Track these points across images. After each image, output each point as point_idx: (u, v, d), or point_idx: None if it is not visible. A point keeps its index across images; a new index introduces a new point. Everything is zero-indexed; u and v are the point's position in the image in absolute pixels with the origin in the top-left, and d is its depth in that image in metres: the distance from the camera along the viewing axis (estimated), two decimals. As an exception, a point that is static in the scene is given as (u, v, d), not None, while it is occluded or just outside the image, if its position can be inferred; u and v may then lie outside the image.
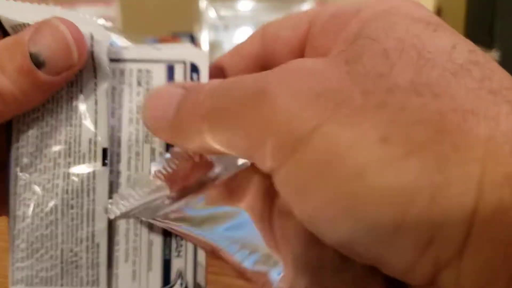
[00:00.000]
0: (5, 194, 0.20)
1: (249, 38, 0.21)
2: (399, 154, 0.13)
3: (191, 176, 0.19)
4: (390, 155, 0.13)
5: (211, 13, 0.56)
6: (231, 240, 0.18)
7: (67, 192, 0.19)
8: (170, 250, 0.19)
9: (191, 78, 0.19)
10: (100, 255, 0.19)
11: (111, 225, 0.19)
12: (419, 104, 0.14)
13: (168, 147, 0.19)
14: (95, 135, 0.19)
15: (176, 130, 0.18)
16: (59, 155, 0.19)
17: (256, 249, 0.18)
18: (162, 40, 0.71)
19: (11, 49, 0.19)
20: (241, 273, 0.18)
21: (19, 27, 0.19)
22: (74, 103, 0.19)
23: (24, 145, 0.20)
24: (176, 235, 0.19)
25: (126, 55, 0.19)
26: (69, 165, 0.19)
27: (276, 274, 0.18)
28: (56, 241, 0.19)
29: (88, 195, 0.19)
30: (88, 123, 0.19)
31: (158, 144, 0.19)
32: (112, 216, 0.19)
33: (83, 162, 0.19)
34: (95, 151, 0.19)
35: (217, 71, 0.21)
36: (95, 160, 0.19)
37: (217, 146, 0.16)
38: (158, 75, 0.19)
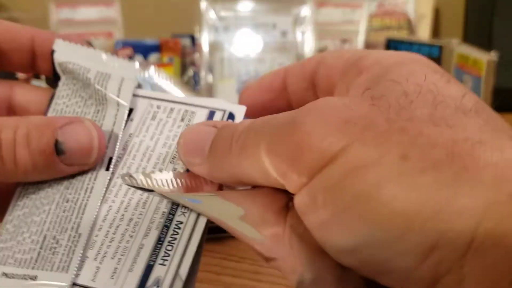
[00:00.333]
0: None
1: (272, 75, 0.23)
2: (417, 170, 0.15)
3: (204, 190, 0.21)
4: (409, 170, 0.15)
5: (211, 14, 0.56)
6: None
7: (67, 188, 0.22)
8: (156, 257, 0.20)
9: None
10: (79, 244, 0.20)
11: (111, 224, 0.21)
12: (435, 131, 0.16)
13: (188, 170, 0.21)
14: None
15: (210, 164, 0.20)
16: None
17: None
18: (163, 41, 0.71)
19: (42, 129, 0.21)
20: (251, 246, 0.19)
21: (65, 65, 0.23)
22: (98, 119, 0.23)
23: None
24: (168, 243, 0.20)
25: (179, 99, 0.23)
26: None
27: None
28: (42, 227, 0.21)
29: (85, 192, 0.21)
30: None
31: (180, 166, 0.22)
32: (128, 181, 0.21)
33: (91, 169, 0.22)
34: (102, 159, 0.22)
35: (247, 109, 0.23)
36: (100, 166, 0.22)
37: (252, 175, 0.18)
38: (200, 116, 0.23)
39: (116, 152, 0.22)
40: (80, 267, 0.20)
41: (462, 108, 0.17)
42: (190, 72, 0.72)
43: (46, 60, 0.26)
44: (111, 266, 0.20)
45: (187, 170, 0.21)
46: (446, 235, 0.15)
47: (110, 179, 0.22)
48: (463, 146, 0.15)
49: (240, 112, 0.23)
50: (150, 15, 1.02)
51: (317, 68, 0.21)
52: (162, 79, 0.28)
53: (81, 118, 0.22)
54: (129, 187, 0.21)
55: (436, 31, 0.95)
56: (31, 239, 0.21)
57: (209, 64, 0.57)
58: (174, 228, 0.20)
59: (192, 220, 0.20)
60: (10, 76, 0.56)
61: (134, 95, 0.24)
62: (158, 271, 0.20)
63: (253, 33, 0.57)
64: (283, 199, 0.19)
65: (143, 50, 0.70)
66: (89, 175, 0.22)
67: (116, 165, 0.22)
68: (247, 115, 0.23)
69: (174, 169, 0.22)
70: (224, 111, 0.23)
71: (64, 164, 0.21)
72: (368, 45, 0.82)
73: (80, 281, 0.20)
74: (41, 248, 0.21)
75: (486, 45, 0.81)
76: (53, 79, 0.25)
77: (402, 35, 0.86)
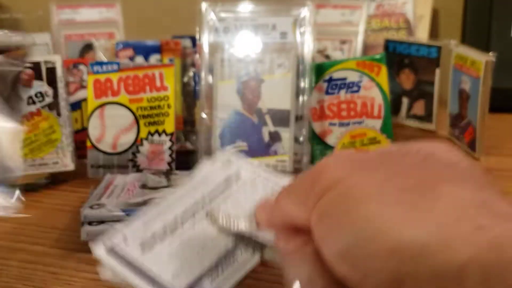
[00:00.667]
0: None
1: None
2: (394, 192, 0.21)
3: None
4: (387, 191, 0.21)
5: (211, 16, 0.57)
6: None
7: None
8: (209, 273, 0.30)
9: None
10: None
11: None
12: (416, 171, 0.22)
13: None
14: None
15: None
16: None
17: None
18: (163, 42, 0.72)
19: None
20: None
21: None
22: None
23: None
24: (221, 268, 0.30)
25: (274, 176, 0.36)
26: None
27: None
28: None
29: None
30: None
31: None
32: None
33: None
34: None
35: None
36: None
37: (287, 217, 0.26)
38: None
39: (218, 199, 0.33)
40: None
41: (446, 162, 0.23)
42: (190, 73, 0.72)
43: None
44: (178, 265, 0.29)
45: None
46: (402, 244, 0.19)
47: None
48: (431, 181, 0.21)
49: None
50: (150, 17, 1.02)
51: None
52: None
53: None
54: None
55: (434, 32, 0.95)
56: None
57: (209, 65, 0.58)
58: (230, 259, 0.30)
59: (244, 259, 0.30)
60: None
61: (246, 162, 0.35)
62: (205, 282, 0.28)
63: (253, 34, 0.57)
64: None
65: (143, 51, 0.70)
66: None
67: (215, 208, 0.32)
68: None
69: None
70: None
71: None
72: (367, 46, 0.83)
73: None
74: None
75: (484, 46, 0.82)
76: None
77: (401, 36, 0.86)
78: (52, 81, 0.57)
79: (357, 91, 0.57)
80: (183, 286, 0.28)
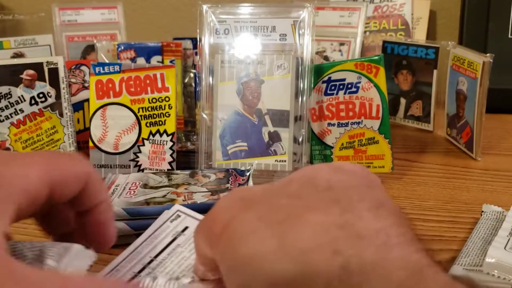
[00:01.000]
0: None
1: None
2: (262, 227, 0.23)
3: None
4: (259, 227, 0.23)
5: (212, 18, 0.57)
6: None
7: None
8: None
9: None
10: None
11: None
12: (288, 204, 0.24)
13: None
14: None
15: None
16: None
17: None
18: (165, 44, 0.72)
19: None
20: None
21: None
22: None
23: None
24: None
25: None
26: None
27: None
28: None
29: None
30: None
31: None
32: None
33: None
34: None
35: None
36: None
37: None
38: None
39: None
40: None
41: (324, 186, 0.25)
42: (191, 74, 0.73)
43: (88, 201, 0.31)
44: None
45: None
46: (277, 280, 0.21)
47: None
48: (300, 210, 0.23)
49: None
50: (151, 19, 1.03)
51: None
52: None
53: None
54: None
55: (432, 33, 0.96)
56: None
57: (209, 66, 0.58)
58: None
59: None
60: (15, 74, 0.57)
61: (190, 216, 0.37)
62: None
63: (253, 36, 0.58)
64: None
65: (145, 53, 0.71)
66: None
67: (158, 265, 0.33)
68: None
69: (192, 277, 0.31)
70: None
71: None
72: (366, 48, 0.83)
73: None
74: None
75: (481, 47, 0.82)
76: None
77: (399, 37, 0.87)
78: (54, 82, 0.58)
79: (355, 92, 0.58)
80: None
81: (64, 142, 0.59)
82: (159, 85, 0.58)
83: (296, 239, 0.22)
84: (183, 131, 0.71)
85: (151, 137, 0.58)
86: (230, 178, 0.51)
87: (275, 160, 0.57)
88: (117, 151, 0.58)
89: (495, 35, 0.84)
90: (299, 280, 0.20)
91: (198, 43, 0.58)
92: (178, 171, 0.54)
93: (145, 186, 0.49)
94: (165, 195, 0.47)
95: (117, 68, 0.58)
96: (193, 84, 0.73)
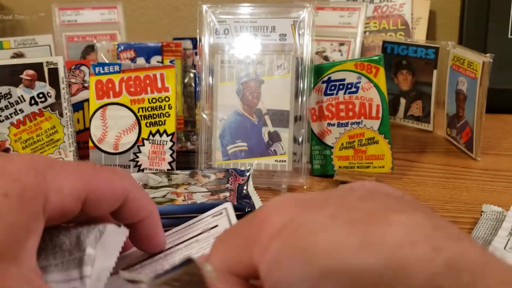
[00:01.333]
0: None
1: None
2: (339, 225, 0.21)
3: None
4: (334, 225, 0.21)
5: (212, 18, 0.57)
6: None
7: None
8: None
9: None
10: None
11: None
12: (361, 204, 0.22)
13: None
14: None
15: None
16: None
17: None
18: (164, 44, 0.72)
19: None
20: None
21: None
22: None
23: None
24: None
25: None
26: None
27: None
28: None
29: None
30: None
31: None
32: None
33: None
34: None
35: None
36: None
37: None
38: None
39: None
40: None
41: (392, 195, 0.24)
42: (191, 74, 0.73)
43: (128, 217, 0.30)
44: None
45: None
46: (363, 273, 0.19)
47: None
48: (380, 211, 0.21)
49: None
50: (151, 19, 1.03)
51: None
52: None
53: None
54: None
55: (432, 33, 0.96)
56: None
57: (209, 66, 0.58)
58: None
59: None
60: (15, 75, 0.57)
61: (228, 217, 0.35)
62: None
63: (253, 36, 0.58)
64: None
65: (145, 53, 0.71)
66: None
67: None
68: None
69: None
70: None
71: None
72: (365, 48, 0.83)
73: None
74: None
75: (481, 47, 0.82)
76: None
77: (399, 37, 0.87)
78: (54, 82, 0.58)
79: (355, 92, 0.58)
80: None
81: (64, 142, 0.59)
82: (159, 85, 0.58)
83: (385, 235, 0.19)
84: (183, 131, 0.71)
85: (151, 137, 0.58)
86: (230, 178, 0.51)
87: (275, 160, 0.57)
88: (117, 151, 0.58)
89: (495, 35, 0.84)
90: (389, 276, 0.18)
91: (198, 43, 0.58)
92: (178, 171, 0.54)
93: (145, 186, 0.49)
94: (165, 195, 0.47)
95: (117, 68, 0.58)
96: (193, 84, 0.73)
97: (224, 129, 0.58)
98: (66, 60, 0.60)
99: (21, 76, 0.57)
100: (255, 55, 0.58)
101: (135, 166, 0.58)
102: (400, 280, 0.18)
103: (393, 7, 0.88)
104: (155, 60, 0.71)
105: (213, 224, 0.36)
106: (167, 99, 0.58)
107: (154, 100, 0.58)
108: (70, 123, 0.59)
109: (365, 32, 0.82)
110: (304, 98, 0.57)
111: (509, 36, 0.84)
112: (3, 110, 0.57)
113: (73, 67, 0.65)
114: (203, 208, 0.43)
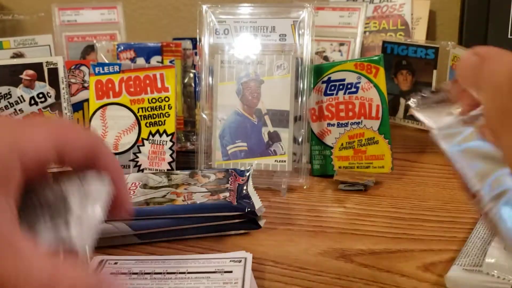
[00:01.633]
0: None
1: None
2: None
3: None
4: None
5: (212, 18, 0.57)
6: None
7: None
8: None
9: None
10: None
11: None
12: None
13: None
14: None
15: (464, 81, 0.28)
16: None
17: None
18: (164, 44, 0.72)
19: None
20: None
21: None
22: None
23: None
24: None
25: None
26: None
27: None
28: None
29: None
30: None
31: None
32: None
33: None
34: None
35: None
36: None
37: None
38: None
39: None
40: None
41: None
42: (191, 74, 0.73)
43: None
44: None
45: None
46: None
47: None
48: None
49: None
50: (151, 19, 1.03)
51: None
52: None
53: None
54: None
55: (432, 33, 0.96)
56: None
57: (209, 66, 0.58)
58: None
59: None
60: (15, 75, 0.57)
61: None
62: None
63: (253, 36, 0.58)
64: None
65: (144, 53, 0.71)
66: None
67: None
68: None
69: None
70: None
71: None
72: (365, 48, 0.83)
73: None
74: None
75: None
76: None
77: (399, 37, 0.87)
78: (54, 82, 0.58)
79: (355, 92, 0.58)
80: None
81: (64, 142, 0.59)
82: (159, 85, 0.58)
83: None
84: (182, 131, 0.71)
85: (150, 137, 0.58)
86: (229, 178, 0.51)
87: (275, 160, 0.57)
88: (116, 151, 0.58)
89: (495, 35, 0.84)
90: None
91: (198, 43, 0.58)
92: (178, 171, 0.54)
93: (144, 186, 0.49)
94: (165, 195, 0.47)
95: (116, 68, 0.58)
96: (193, 84, 0.73)
97: (224, 129, 0.58)
98: (66, 60, 0.60)
99: (21, 76, 0.57)
100: (255, 55, 0.58)
101: (135, 166, 0.58)
102: None
103: (393, 7, 0.88)
104: (155, 60, 0.71)
105: (229, 269, 0.37)
106: (167, 99, 0.58)
107: (154, 100, 0.58)
108: (70, 123, 0.59)
109: (365, 32, 0.82)
110: (304, 98, 0.57)
111: (509, 36, 0.84)
112: (3, 110, 0.57)
113: (73, 67, 0.65)
114: (203, 208, 0.43)
